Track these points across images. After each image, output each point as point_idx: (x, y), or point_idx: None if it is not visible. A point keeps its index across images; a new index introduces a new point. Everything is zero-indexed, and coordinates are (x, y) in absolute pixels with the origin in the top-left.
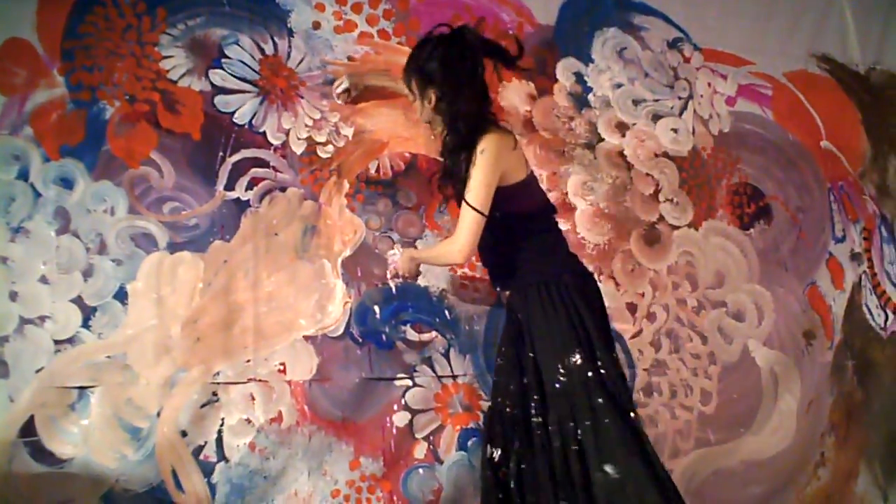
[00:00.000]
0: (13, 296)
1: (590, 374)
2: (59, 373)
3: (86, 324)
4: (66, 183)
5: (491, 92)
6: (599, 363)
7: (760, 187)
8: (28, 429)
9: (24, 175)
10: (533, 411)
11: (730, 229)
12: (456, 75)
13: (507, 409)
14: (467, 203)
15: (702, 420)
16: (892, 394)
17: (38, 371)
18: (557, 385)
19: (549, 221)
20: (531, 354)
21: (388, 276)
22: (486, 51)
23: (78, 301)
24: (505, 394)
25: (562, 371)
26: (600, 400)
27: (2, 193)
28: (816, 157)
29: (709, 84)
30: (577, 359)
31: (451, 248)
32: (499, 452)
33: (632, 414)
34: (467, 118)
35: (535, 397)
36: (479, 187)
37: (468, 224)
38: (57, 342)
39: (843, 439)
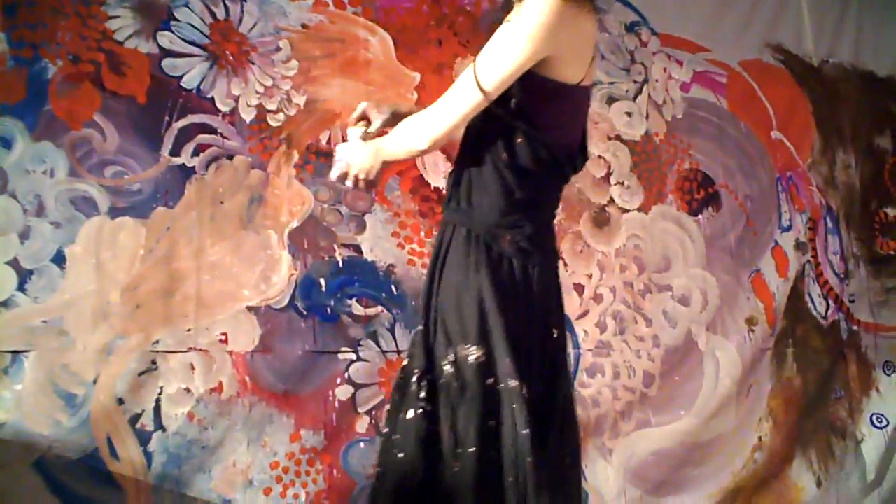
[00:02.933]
0: None
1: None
2: None
3: (21, 287)
4: (5, 142)
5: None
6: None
7: (710, 174)
8: None
9: None
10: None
11: (679, 214)
12: None
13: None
14: (474, 71)
15: (643, 401)
16: (830, 381)
17: None
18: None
19: (555, 175)
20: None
21: (334, 176)
22: None
23: (14, 263)
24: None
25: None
26: None
27: None
28: (767, 147)
29: (664, 69)
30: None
31: (418, 126)
32: None
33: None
34: None
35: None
36: (498, 54)
37: (457, 98)
38: None
39: (780, 425)
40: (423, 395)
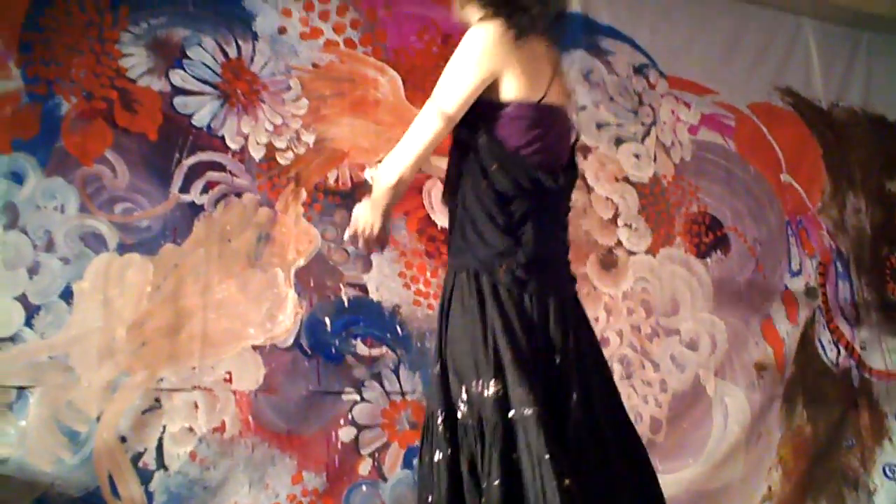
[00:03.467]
0: None
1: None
2: None
3: (29, 322)
4: (17, 177)
5: None
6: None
7: (719, 217)
8: None
9: None
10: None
11: (687, 257)
12: None
13: None
14: (433, 100)
15: (650, 448)
16: (841, 430)
17: None
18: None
19: (540, 197)
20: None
21: (346, 238)
22: None
23: (22, 299)
24: None
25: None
26: None
27: None
28: (776, 190)
29: (672, 111)
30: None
31: (388, 163)
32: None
33: None
34: None
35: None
36: (446, 80)
37: (419, 125)
38: None
39: (790, 474)
40: (447, 435)
